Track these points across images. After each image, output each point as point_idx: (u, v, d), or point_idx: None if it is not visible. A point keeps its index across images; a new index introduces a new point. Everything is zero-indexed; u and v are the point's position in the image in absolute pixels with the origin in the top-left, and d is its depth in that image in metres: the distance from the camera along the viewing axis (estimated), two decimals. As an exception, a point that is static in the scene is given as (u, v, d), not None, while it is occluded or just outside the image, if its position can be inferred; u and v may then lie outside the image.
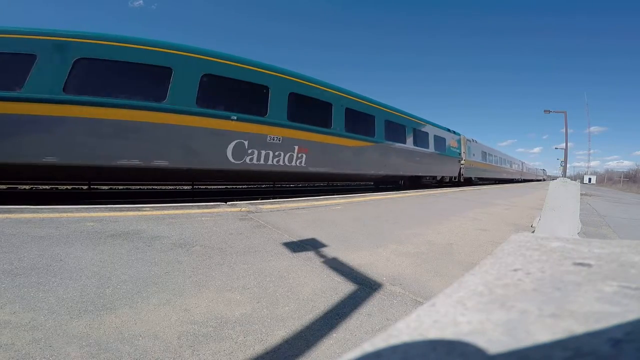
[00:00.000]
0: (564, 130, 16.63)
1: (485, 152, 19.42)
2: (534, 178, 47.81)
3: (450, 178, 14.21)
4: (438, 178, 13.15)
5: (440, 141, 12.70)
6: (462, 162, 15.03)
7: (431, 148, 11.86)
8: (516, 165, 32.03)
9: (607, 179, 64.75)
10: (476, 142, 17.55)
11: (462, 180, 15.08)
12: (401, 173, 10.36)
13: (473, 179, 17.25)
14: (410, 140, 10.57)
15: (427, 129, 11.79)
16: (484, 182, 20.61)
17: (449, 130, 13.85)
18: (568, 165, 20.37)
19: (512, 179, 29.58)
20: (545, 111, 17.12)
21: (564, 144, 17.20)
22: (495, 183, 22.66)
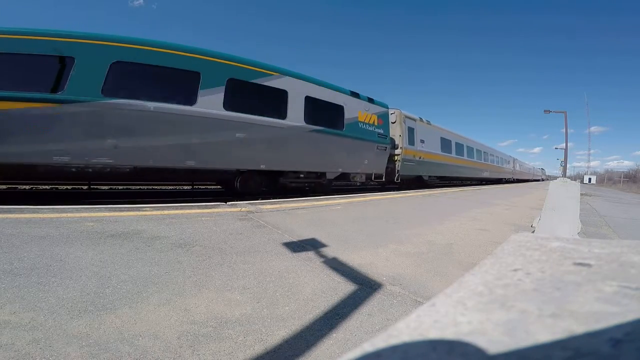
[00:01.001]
0: (564, 130, 16.63)
1: (449, 141, 13.51)
2: (530, 178, 42.08)
3: (371, 176, 8.61)
4: (330, 176, 7.65)
5: (328, 111, 7.30)
6: (398, 151, 9.67)
7: (297, 119, 6.52)
8: (505, 162, 25.78)
9: (607, 179, 64.75)
10: (430, 124, 11.82)
11: (397, 180, 9.66)
12: (190, 164, 5.30)
13: (426, 178, 11.75)
14: (215, 98, 5.43)
15: (280, 83, 6.32)
16: (449, 184, 15.38)
17: (356, 95, 8.05)
18: (568, 165, 19.96)
19: (500, 179, 23.97)
20: (545, 111, 17.12)
21: (564, 144, 17.19)
22: (470, 184, 17.48)
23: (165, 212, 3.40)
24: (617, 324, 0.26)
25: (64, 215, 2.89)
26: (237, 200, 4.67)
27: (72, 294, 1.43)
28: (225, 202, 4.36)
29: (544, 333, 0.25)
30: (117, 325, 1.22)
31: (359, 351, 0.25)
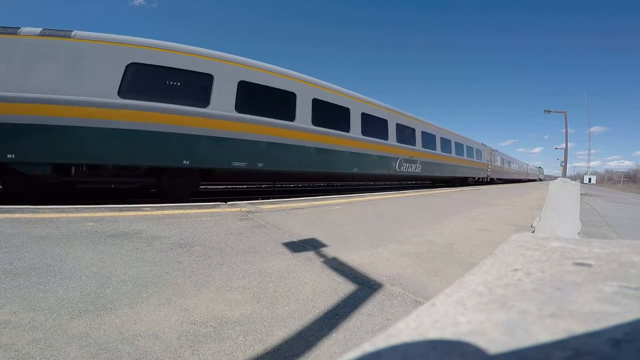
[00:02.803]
0: (564, 130, 16.61)
1: (209, 78, 5.20)
2: (523, 178, 34.35)
3: None
4: None
5: None
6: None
7: None
8: (473, 153, 16.75)
9: (607, 179, 64.69)
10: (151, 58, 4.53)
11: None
12: None
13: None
14: None
15: None
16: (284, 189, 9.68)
17: None
18: (568, 165, 19.80)
19: (464, 178, 15.99)
20: (545, 111, 17.11)
21: (564, 144, 17.16)
22: (368, 188, 11.70)
23: (165, 212, 3.40)
24: (617, 324, 0.26)
25: (64, 215, 2.88)
26: (237, 200, 4.67)
27: (72, 294, 1.43)
28: (225, 202, 4.36)
29: (544, 333, 0.25)
30: (117, 325, 1.22)
31: (359, 351, 0.25)
